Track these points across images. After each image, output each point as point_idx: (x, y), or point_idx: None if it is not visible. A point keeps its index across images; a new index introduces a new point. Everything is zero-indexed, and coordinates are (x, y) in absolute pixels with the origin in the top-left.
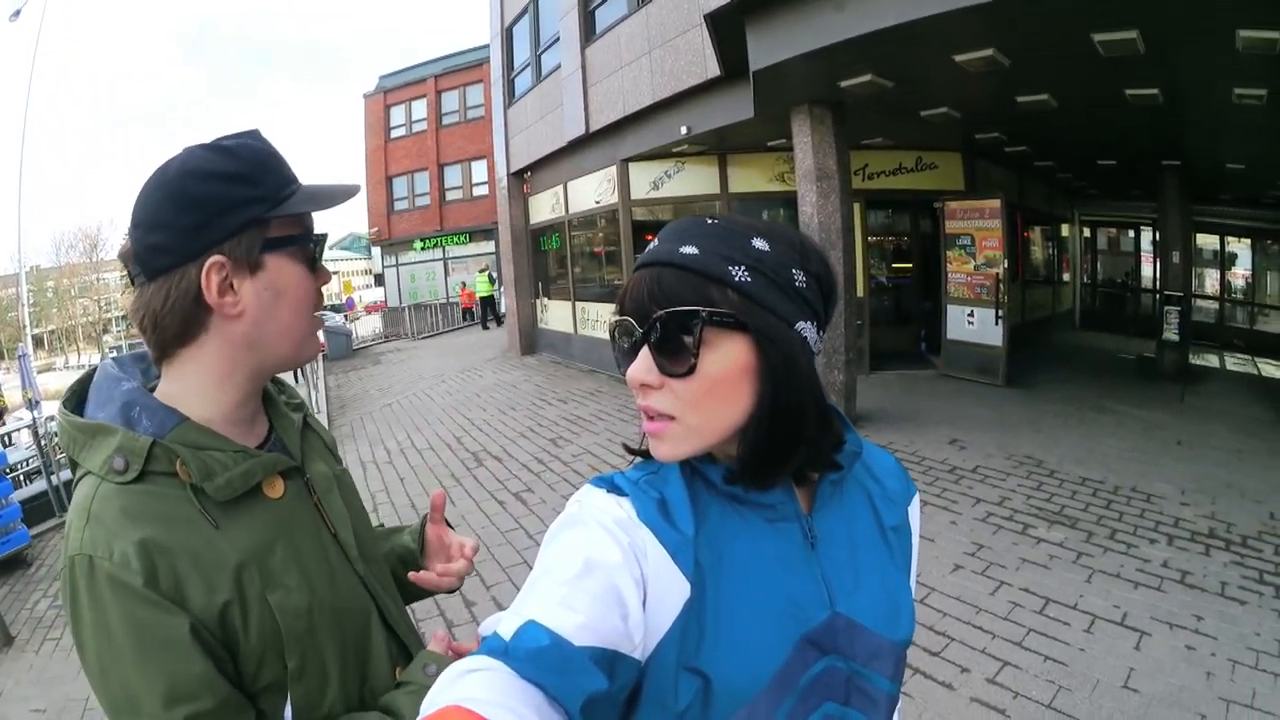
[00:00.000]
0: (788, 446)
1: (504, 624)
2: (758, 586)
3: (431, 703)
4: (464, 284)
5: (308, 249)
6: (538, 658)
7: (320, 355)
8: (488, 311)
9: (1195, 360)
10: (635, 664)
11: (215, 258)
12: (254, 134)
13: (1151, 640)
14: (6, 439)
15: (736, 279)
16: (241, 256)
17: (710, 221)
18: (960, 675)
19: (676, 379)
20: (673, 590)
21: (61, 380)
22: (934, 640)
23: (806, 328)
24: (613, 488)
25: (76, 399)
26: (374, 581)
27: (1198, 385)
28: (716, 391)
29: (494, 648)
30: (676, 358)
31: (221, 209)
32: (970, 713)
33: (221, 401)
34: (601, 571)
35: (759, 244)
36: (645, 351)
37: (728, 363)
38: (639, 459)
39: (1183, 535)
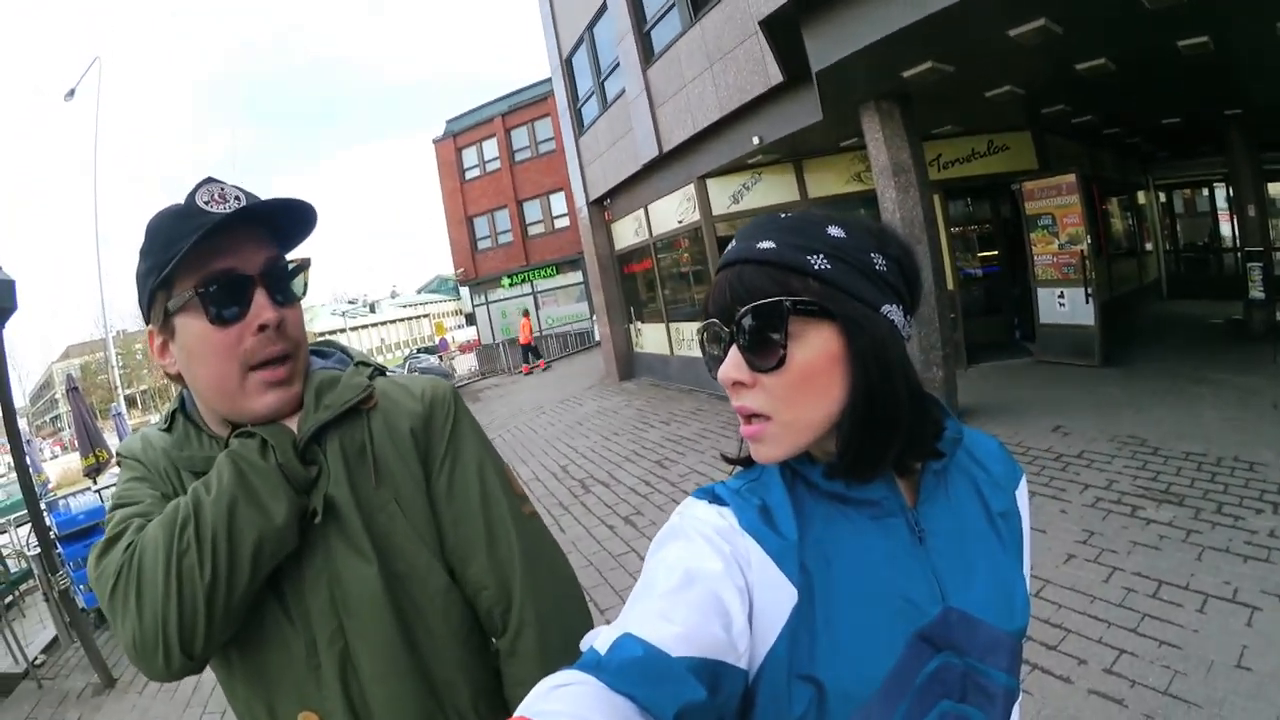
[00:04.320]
0: (885, 434)
1: (601, 638)
2: (867, 586)
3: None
4: (526, 312)
5: (203, 301)
6: (630, 669)
7: None
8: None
9: None
10: (741, 674)
11: (149, 327)
12: (192, 195)
13: (1262, 615)
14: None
15: (816, 267)
16: (158, 325)
17: (784, 216)
18: (1078, 667)
19: (767, 374)
20: (779, 597)
21: None
22: (1051, 634)
23: (893, 310)
24: (714, 498)
25: None
26: (318, 618)
27: None
28: (808, 383)
29: (588, 662)
30: (765, 352)
31: (140, 285)
32: (1089, 705)
33: (212, 419)
34: (703, 582)
35: (835, 232)
36: (734, 350)
37: (816, 352)
38: (739, 468)
39: None
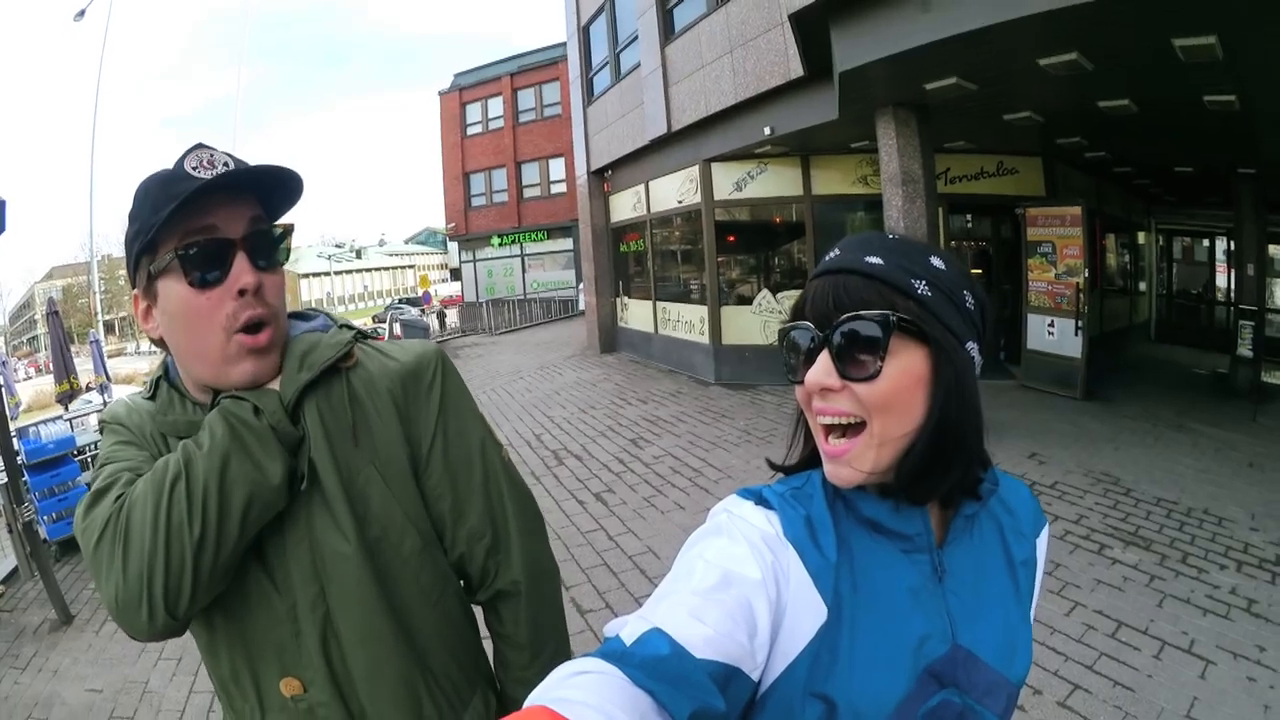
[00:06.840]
0: (948, 463)
1: (628, 628)
2: (889, 617)
3: (530, 700)
4: None
5: (183, 264)
6: (654, 666)
7: None
8: None
9: (1268, 378)
10: (752, 685)
11: (135, 291)
12: (181, 160)
13: (1216, 670)
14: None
15: (919, 291)
16: (142, 289)
17: (891, 236)
18: (1033, 697)
19: (858, 383)
20: (809, 614)
21: (132, 365)
22: None
23: (974, 348)
24: (760, 500)
25: None
26: (300, 583)
27: (1270, 404)
28: (894, 399)
29: (611, 651)
30: (860, 362)
31: (128, 250)
32: None
33: (193, 385)
34: (739, 587)
35: (936, 262)
36: (825, 356)
37: (905, 371)
38: (781, 474)
39: (1250, 562)
